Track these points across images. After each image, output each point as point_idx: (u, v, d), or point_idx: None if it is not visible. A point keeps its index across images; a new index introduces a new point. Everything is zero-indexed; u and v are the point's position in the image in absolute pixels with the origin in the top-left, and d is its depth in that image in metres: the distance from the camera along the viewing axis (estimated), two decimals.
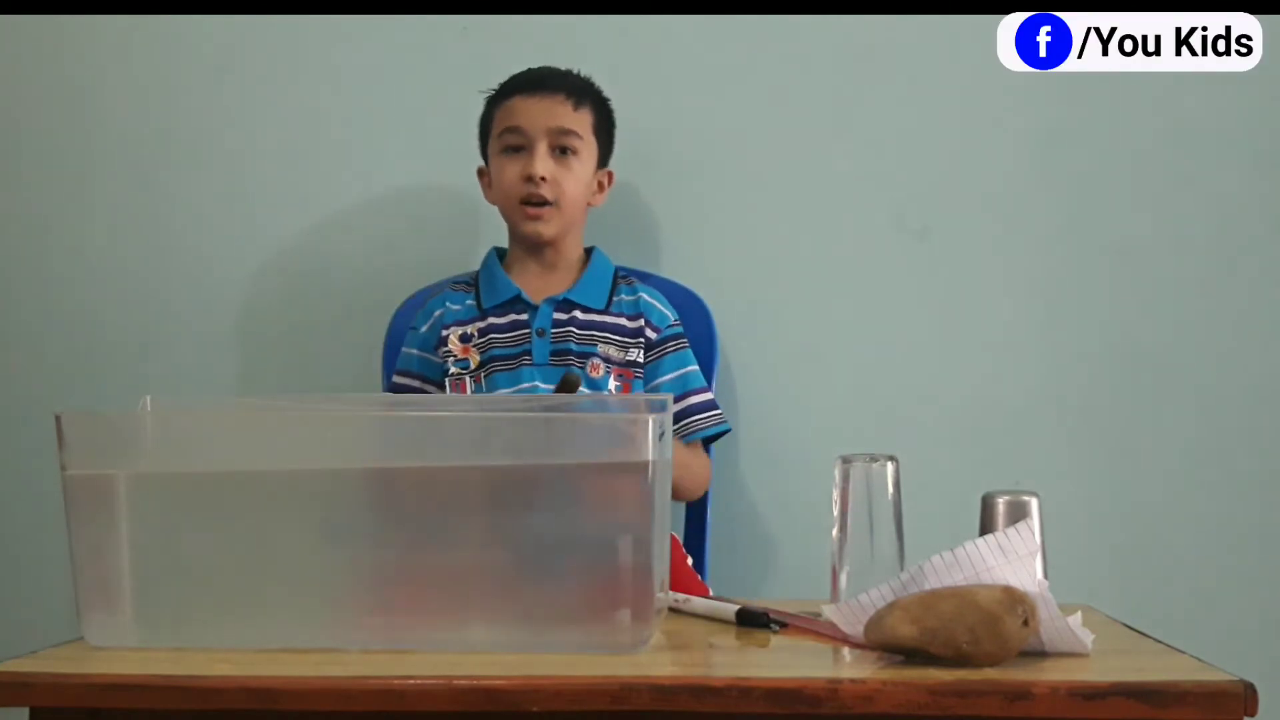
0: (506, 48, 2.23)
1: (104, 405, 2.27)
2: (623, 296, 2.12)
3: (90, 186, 2.37)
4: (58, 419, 1.40)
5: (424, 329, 2.12)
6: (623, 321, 2.09)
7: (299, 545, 1.42)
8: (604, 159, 2.14)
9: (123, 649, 1.39)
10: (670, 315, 2.13)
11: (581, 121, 2.09)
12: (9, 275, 2.38)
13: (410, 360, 2.12)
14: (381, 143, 2.35)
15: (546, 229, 2.07)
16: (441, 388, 2.08)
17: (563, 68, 2.13)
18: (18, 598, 2.34)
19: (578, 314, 2.08)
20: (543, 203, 2.06)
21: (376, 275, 2.31)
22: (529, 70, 2.13)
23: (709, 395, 2.13)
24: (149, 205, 2.36)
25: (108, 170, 2.36)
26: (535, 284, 2.11)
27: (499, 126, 2.09)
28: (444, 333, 2.09)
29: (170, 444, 1.45)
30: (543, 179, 2.05)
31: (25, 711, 1.31)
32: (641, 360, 2.09)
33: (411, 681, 1.27)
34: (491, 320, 2.08)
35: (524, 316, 2.08)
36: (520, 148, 2.07)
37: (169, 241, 2.36)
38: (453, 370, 2.07)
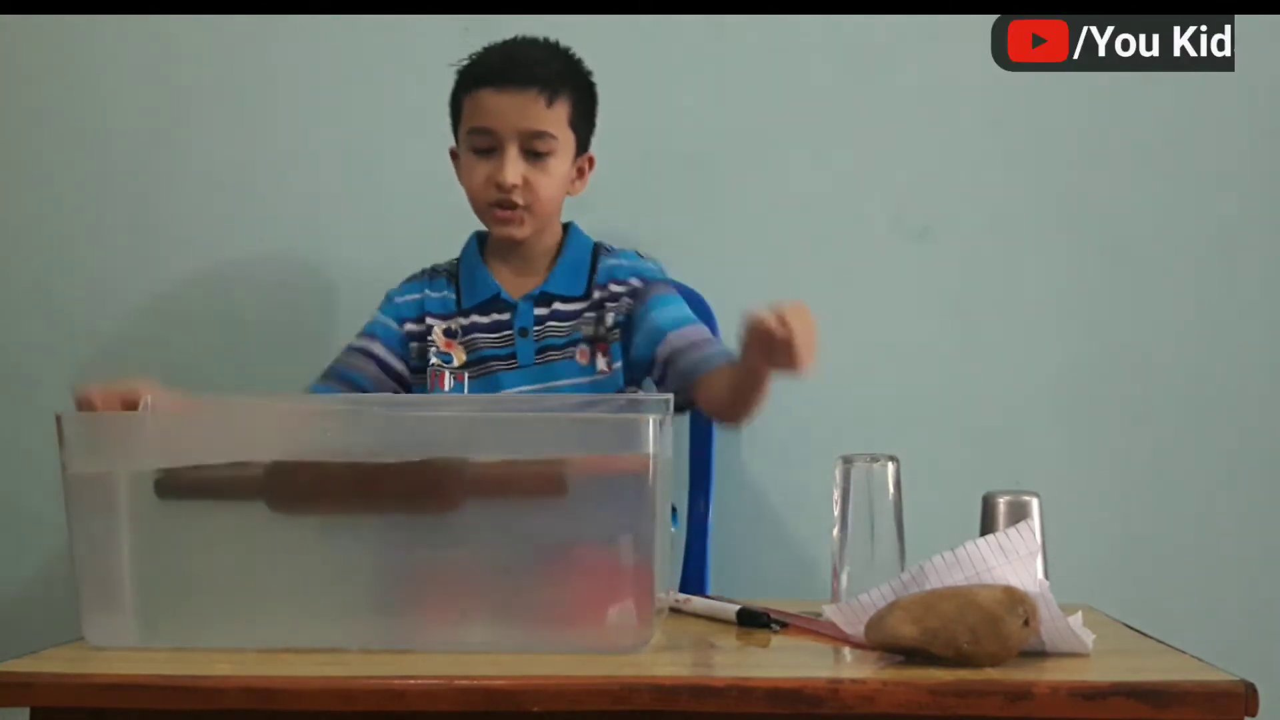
0: None
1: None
2: (600, 267, 2.03)
3: (90, 186, 2.37)
4: (58, 419, 1.40)
5: (401, 300, 2.05)
6: (596, 294, 2.01)
7: (299, 545, 1.42)
8: (583, 146, 2.02)
9: (123, 649, 1.39)
10: (643, 266, 2.04)
11: (556, 119, 1.96)
12: (9, 275, 2.38)
13: (381, 328, 2.04)
14: (382, 142, 2.35)
15: (520, 231, 1.98)
16: (396, 363, 2.02)
17: (539, 39, 2.00)
18: (18, 598, 2.34)
19: (558, 305, 2.01)
20: (514, 206, 1.96)
21: (377, 276, 2.30)
22: (500, 49, 2.00)
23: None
24: (149, 205, 2.36)
25: (107, 170, 2.36)
26: (513, 278, 2.03)
27: (467, 121, 1.97)
28: (429, 321, 2.03)
29: (170, 444, 1.45)
30: (514, 186, 1.94)
31: (26, 712, 1.31)
32: (614, 322, 2.00)
33: (412, 681, 1.27)
34: (475, 319, 2.02)
35: (505, 316, 2.01)
36: (490, 149, 1.96)
37: (169, 241, 2.36)
38: (434, 361, 2.01)
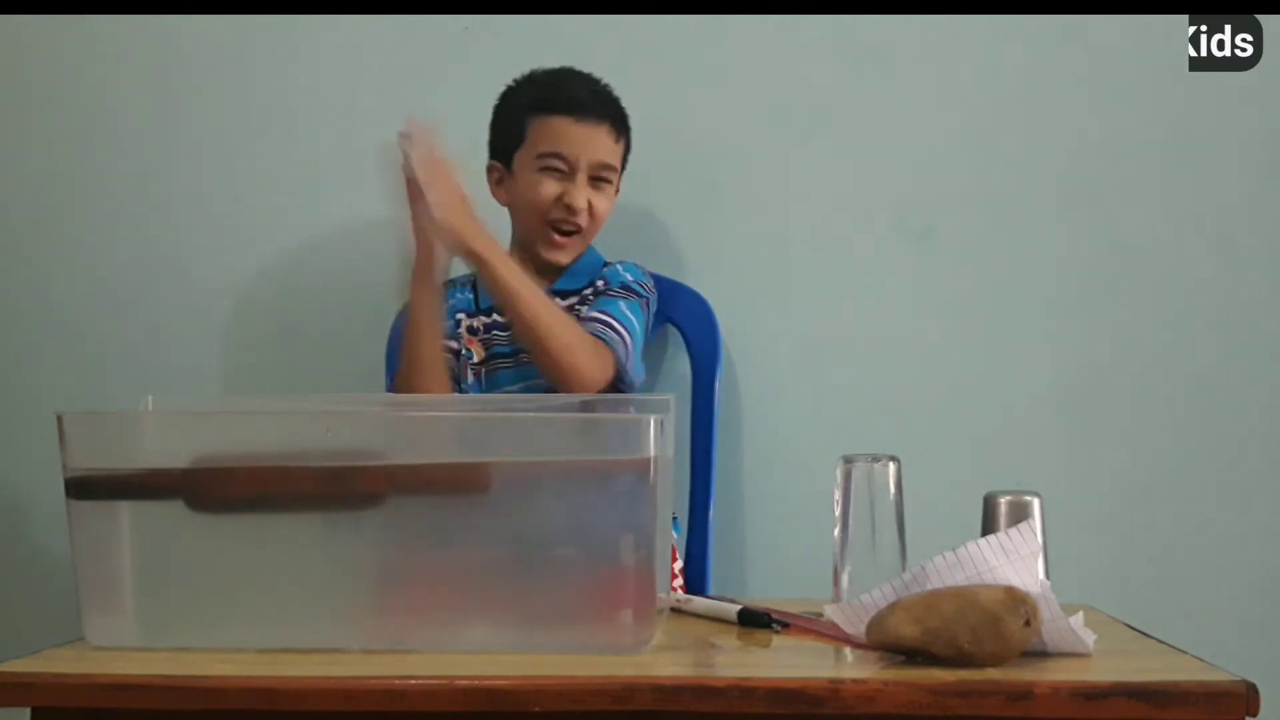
0: (507, 47, 2.23)
1: (104, 405, 2.27)
2: (597, 274, 2.13)
3: (91, 187, 2.37)
4: (59, 419, 1.40)
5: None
6: (587, 290, 2.11)
7: (299, 545, 1.42)
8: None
9: (124, 649, 1.39)
10: (629, 276, 2.12)
11: (619, 154, 2.11)
12: (9, 275, 2.38)
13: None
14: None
15: (566, 257, 2.10)
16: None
17: (585, 73, 2.11)
18: (18, 598, 2.34)
19: (557, 301, 2.06)
20: (574, 231, 2.08)
21: (378, 276, 2.31)
22: (568, 83, 2.11)
23: (625, 331, 2.05)
24: (150, 205, 2.36)
25: (108, 171, 2.37)
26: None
27: (538, 144, 2.07)
28: (457, 316, 2.11)
29: (171, 444, 1.45)
30: (582, 210, 2.07)
31: (26, 712, 1.31)
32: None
33: (413, 681, 1.27)
34: (495, 317, 2.10)
35: None
36: (560, 171, 2.06)
37: (170, 241, 2.36)
38: (461, 354, 2.08)
